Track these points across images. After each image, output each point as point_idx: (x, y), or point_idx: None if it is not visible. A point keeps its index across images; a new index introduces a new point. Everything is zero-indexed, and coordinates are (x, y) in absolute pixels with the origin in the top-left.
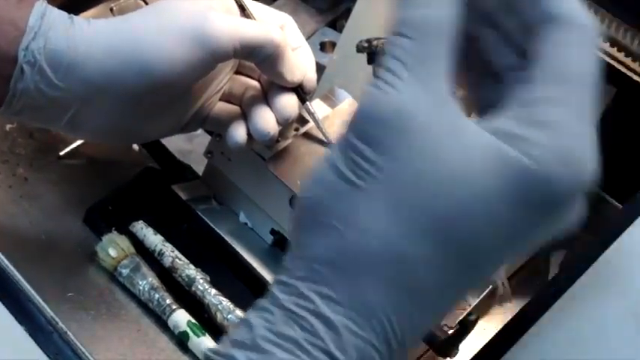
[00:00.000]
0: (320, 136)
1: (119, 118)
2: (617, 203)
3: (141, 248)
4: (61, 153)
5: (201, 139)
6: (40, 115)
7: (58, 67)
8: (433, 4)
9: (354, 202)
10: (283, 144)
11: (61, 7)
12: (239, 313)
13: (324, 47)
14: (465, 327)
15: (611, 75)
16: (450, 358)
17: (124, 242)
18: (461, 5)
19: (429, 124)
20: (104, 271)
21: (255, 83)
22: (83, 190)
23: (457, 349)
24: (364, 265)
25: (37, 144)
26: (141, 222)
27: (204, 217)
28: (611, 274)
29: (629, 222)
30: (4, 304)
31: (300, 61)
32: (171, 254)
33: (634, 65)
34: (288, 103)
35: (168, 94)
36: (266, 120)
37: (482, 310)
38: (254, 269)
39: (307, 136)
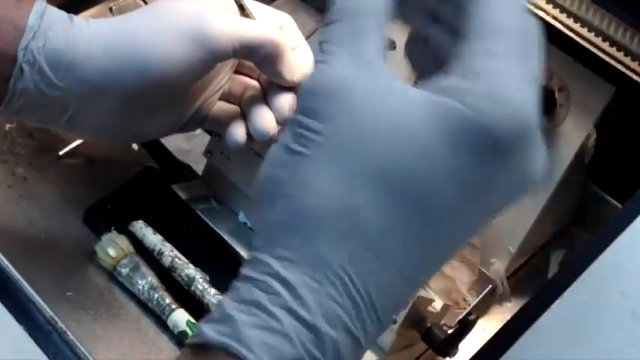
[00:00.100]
0: None
1: (118, 117)
2: (617, 203)
3: (140, 248)
4: (61, 153)
5: (200, 138)
6: (39, 115)
7: (58, 67)
8: None
9: (302, 169)
10: None
11: (61, 6)
12: None
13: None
14: (465, 326)
15: (610, 74)
16: (450, 357)
17: (123, 242)
18: None
19: (364, 89)
20: (103, 270)
21: (254, 83)
22: (82, 189)
23: (457, 349)
24: (314, 221)
25: (36, 143)
26: (140, 221)
27: (203, 217)
28: (611, 273)
29: (629, 222)
30: (3, 303)
31: (299, 60)
32: (170, 254)
33: (633, 65)
34: (288, 102)
35: (168, 93)
36: (265, 119)
37: (481, 309)
38: None
39: None
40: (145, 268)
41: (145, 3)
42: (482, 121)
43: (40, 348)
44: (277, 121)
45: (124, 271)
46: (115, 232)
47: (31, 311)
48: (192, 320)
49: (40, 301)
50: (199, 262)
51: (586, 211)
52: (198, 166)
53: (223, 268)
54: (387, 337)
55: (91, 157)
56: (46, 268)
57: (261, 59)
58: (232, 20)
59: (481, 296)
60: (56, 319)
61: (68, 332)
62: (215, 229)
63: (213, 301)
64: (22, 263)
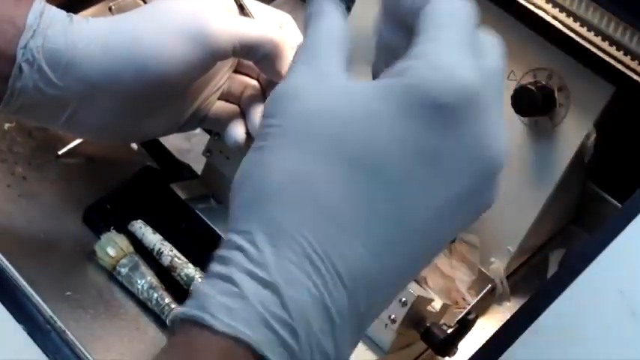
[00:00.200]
0: None
1: (117, 116)
2: (616, 203)
3: (139, 247)
4: (60, 152)
5: (199, 138)
6: (38, 114)
7: (57, 66)
8: (324, 18)
9: (264, 157)
10: None
11: (60, 5)
12: None
13: None
14: (464, 326)
15: (610, 74)
16: (449, 357)
17: (122, 241)
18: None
19: (313, 88)
20: (103, 270)
21: (254, 82)
22: (82, 189)
23: (456, 348)
24: (270, 193)
25: (35, 143)
26: (139, 221)
27: (202, 216)
28: (611, 273)
29: (628, 221)
30: (2, 303)
31: None
32: (169, 253)
33: (633, 64)
34: None
35: (167, 93)
36: None
37: (481, 309)
38: None
39: None
40: (144, 268)
41: (145, 2)
42: (421, 86)
43: (39, 347)
44: None
45: (124, 270)
46: (114, 231)
47: (30, 311)
48: None
49: (40, 300)
50: (199, 261)
51: (586, 211)
52: (198, 165)
53: None
54: (387, 337)
55: (90, 157)
56: (45, 267)
57: (260, 58)
58: (232, 19)
59: (480, 296)
60: (55, 318)
61: (67, 332)
62: (214, 228)
63: None
64: (21, 263)
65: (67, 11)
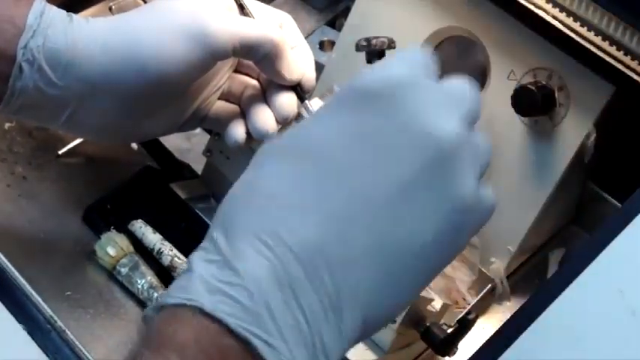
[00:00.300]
0: None
1: (118, 116)
2: (616, 202)
3: (140, 247)
4: (60, 152)
5: (200, 137)
6: (38, 114)
7: (57, 66)
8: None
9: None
10: None
11: (60, 5)
12: None
13: (323, 46)
14: (464, 326)
15: (610, 73)
16: (449, 356)
17: (122, 241)
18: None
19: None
20: (103, 269)
21: (254, 82)
22: (82, 188)
23: (456, 348)
24: (229, 200)
25: (35, 143)
26: (140, 221)
27: (202, 216)
28: (611, 272)
29: (628, 221)
30: (2, 302)
31: (299, 59)
32: (169, 253)
33: (633, 64)
34: (287, 101)
35: (167, 92)
36: (265, 119)
37: (481, 308)
38: None
39: None
40: (144, 267)
41: (145, 2)
42: (355, 82)
43: (39, 347)
44: (277, 120)
45: (124, 270)
46: (114, 231)
47: (30, 310)
48: None
49: (40, 300)
50: None
51: (585, 211)
52: (198, 165)
53: None
54: (387, 336)
55: (90, 157)
56: (46, 267)
57: (260, 58)
58: (232, 19)
59: (480, 295)
60: (55, 318)
61: (67, 331)
62: None
63: None
64: (21, 262)
65: (67, 11)
